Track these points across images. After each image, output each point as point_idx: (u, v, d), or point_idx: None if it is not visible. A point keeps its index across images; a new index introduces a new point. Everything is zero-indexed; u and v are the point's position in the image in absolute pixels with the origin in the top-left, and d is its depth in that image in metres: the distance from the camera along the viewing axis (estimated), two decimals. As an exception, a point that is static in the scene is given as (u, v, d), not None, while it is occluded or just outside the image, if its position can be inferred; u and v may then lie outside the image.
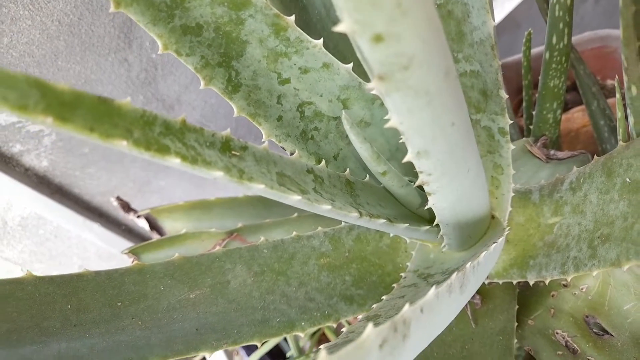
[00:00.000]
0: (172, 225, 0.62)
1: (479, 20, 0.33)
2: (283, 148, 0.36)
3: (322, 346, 0.27)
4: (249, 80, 0.34)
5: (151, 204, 0.66)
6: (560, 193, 0.37)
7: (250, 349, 0.86)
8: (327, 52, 0.34)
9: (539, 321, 0.42)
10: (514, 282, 0.39)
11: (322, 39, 0.34)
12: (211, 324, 0.35)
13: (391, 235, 0.42)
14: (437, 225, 0.33)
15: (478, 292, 0.42)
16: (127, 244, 0.85)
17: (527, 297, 0.44)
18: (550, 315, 0.41)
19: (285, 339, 0.86)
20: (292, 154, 0.36)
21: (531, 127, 0.56)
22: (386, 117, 0.21)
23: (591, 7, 1.10)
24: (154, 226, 0.63)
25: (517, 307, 0.40)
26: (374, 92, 0.36)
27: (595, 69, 0.62)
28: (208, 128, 0.23)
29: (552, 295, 0.42)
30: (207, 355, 0.34)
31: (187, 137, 0.21)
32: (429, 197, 0.28)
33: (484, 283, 0.41)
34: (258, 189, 0.23)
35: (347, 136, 0.37)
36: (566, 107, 0.70)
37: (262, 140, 0.35)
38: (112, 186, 0.81)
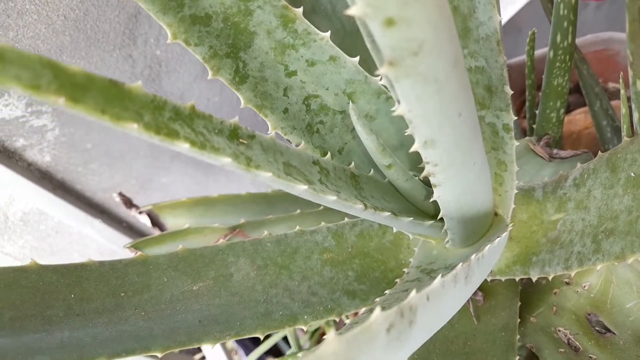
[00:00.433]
0: (174, 222, 0.62)
1: (485, 16, 0.33)
2: (289, 141, 0.36)
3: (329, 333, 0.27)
4: (256, 72, 0.34)
5: (153, 201, 0.66)
6: (563, 190, 0.37)
7: (248, 349, 0.86)
8: (334, 45, 0.35)
9: (541, 319, 0.42)
10: (517, 279, 0.39)
11: (329, 32, 0.34)
12: (214, 316, 0.36)
13: (394, 231, 0.42)
14: (441, 220, 0.33)
15: (480, 288, 0.42)
16: (128, 241, 0.85)
17: (529, 295, 0.44)
18: (552, 312, 0.41)
19: (285, 339, 0.86)
20: (297, 146, 0.36)
21: (534, 126, 0.56)
22: (393, 109, 0.21)
23: (592, 12, 1.10)
24: (155, 223, 0.63)
25: (519, 304, 0.40)
26: (382, 81, 0.36)
27: (597, 71, 0.62)
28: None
29: (555, 293, 0.42)
30: (209, 346, 0.34)
31: (196, 123, 0.21)
32: (434, 189, 0.28)
33: (486, 280, 0.41)
34: (265, 177, 0.23)
35: (352, 130, 0.37)
36: (568, 109, 0.70)
37: (268, 132, 0.36)
38: (114, 183, 0.82)
